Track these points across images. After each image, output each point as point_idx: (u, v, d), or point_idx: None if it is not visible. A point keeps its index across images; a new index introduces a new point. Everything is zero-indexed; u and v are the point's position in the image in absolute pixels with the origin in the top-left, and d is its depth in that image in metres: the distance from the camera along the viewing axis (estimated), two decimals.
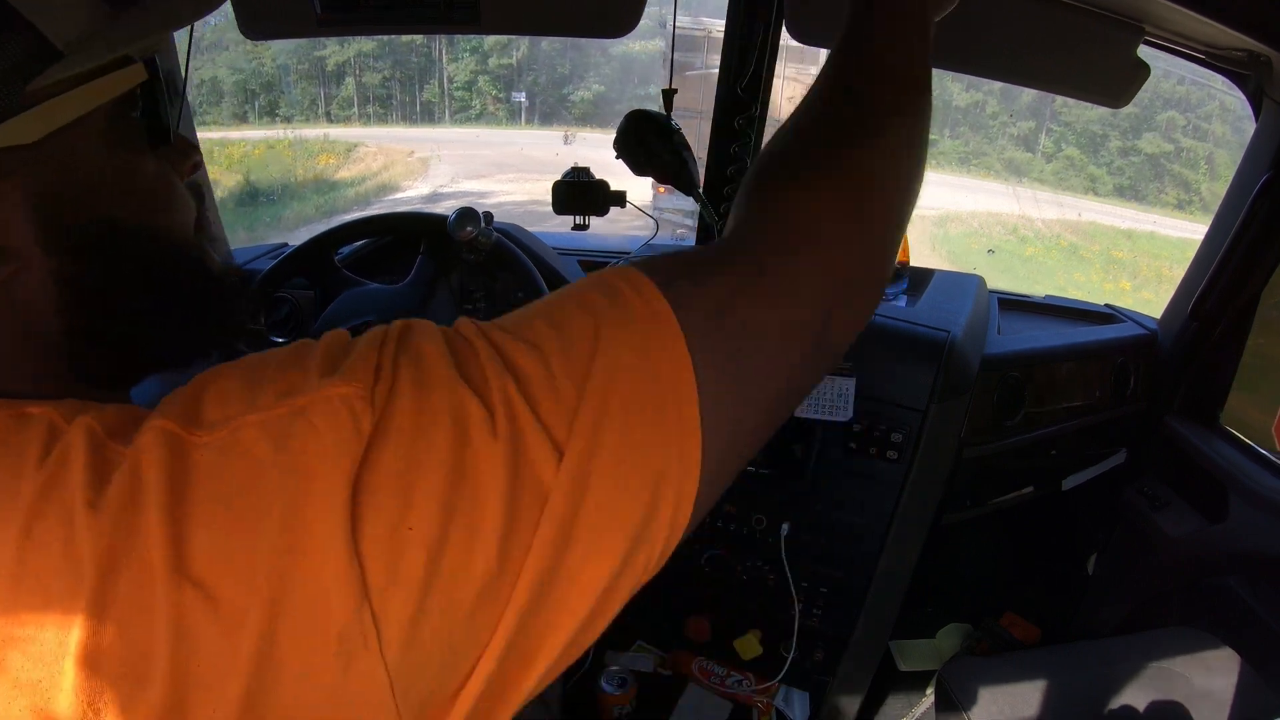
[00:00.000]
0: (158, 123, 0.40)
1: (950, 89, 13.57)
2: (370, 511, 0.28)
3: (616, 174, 1.08)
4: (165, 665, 0.26)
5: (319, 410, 0.29)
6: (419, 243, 1.20)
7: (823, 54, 0.67)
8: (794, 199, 0.42)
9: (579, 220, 1.11)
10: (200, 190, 0.45)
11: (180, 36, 1.10)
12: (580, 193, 1.10)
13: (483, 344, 0.32)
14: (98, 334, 0.38)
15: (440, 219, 1.15)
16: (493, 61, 15.58)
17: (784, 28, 1.13)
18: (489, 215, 1.21)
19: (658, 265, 0.37)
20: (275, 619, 0.27)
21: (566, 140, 13.52)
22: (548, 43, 14.65)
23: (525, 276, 1.14)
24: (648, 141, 0.96)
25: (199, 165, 0.44)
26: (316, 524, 0.28)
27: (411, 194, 10.77)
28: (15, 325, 0.35)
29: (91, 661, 0.26)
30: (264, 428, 0.29)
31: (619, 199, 1.11)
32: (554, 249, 1.32)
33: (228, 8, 0.96)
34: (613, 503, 0.31)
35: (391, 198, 10.46)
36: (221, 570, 0.27)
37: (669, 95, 1.01)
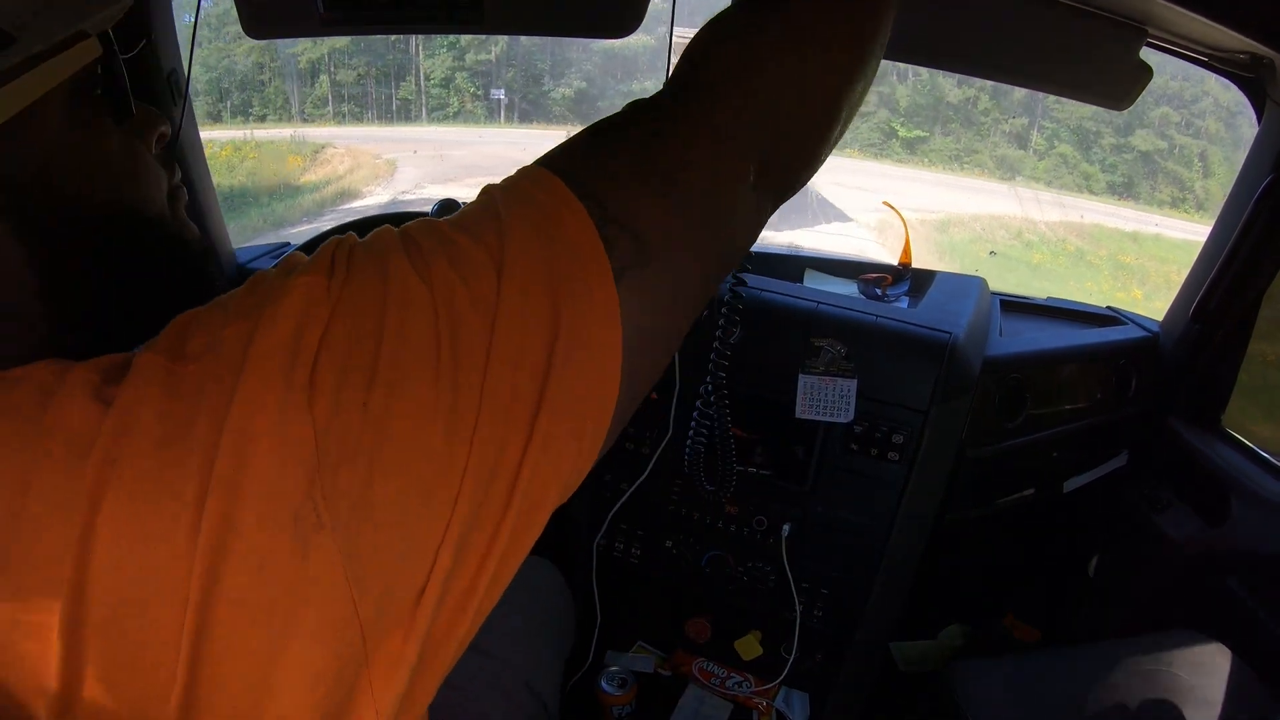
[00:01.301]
0: (119, 96, 0.40)
1: (942, 85, 13.51)
2: (323, 383, 0.30)
3: None
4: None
5: (282, 300, 0.32)
6: None
7: None
8: (727, 49, 0.44)
9: None
10: (173, 161, 0.45)
11: (183, 36, 1.10)
12: None
13: (424, 235, 0.36)
14: (76, 313, 0.38)
15: (422, 214, 1.17)
16: (470, 58, 14.95)
17: None
18: None
19: (558, 157, 0.41)
20: (234, 503, 0.28)
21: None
22: (528, 38, 14.35)
23: None
24: None
25: (166, 135, 0.44)
26: (272, 408, 0.29)
27: (370, 201, 10.11)
28: None
29: (89, 587, 0.28)
30: (239, 334, 0.31)
31: None
32: None
33: (225, 6, 0.96)
34: (526, 326, 0.34)
35: (348, 206, 9.75)
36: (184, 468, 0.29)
37: None
